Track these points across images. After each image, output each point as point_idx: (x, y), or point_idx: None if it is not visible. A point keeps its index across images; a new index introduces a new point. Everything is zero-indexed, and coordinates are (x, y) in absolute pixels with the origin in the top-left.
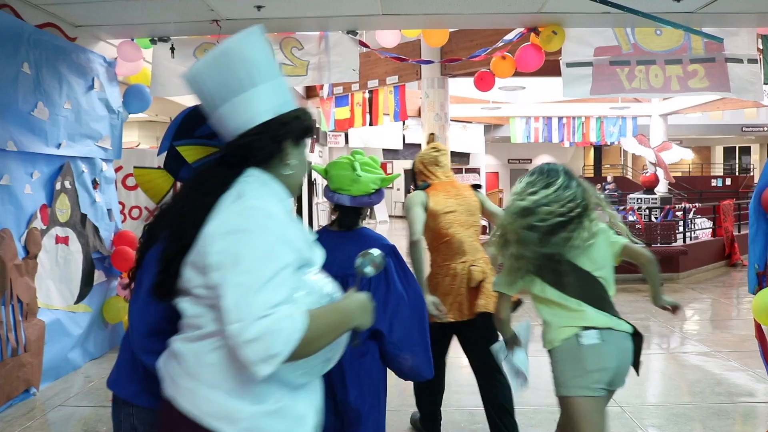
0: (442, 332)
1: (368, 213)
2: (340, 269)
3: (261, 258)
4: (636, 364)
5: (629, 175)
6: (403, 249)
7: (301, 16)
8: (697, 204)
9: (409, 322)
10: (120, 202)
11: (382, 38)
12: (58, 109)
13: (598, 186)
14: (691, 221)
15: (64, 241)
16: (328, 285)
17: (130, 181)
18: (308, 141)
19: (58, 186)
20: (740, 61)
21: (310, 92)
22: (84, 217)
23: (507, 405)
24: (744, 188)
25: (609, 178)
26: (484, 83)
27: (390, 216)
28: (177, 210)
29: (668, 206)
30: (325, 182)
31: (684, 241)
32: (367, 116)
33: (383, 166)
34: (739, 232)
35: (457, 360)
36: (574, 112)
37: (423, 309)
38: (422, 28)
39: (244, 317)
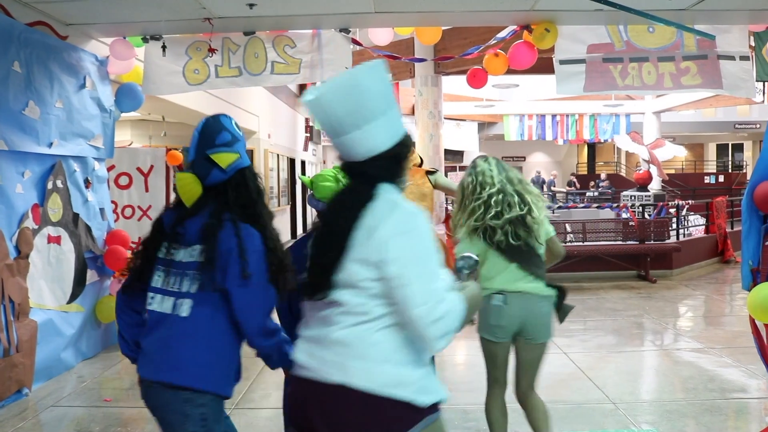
0: None
1: None
2: None
3: (430, 253)
4: (560, 315)
5: (623, 173)
6: None
7: (294, 14)
8: (690, 201)
9: None
10: (113, 201)
11: (375, 36)
12: (50, 108)
13: (592, 183)
14: (684, 218)
15: (56, 240)
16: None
17: (123, 180)
18: None
19: (49, 185)
20: (732, 58)
21: (305, 90)
22: (76, 216)
23: None
24: (737, 185)
25: (603, 176)
26: (477, 81)
27: None
28: (333, 220)
29: (661, 203)
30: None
31: (677, 238)
32: None
33: None
34: (732, 228)
35: (451, 358)
36: (567, 110)
37: None
38: (415, 26)
39: (428, 301)
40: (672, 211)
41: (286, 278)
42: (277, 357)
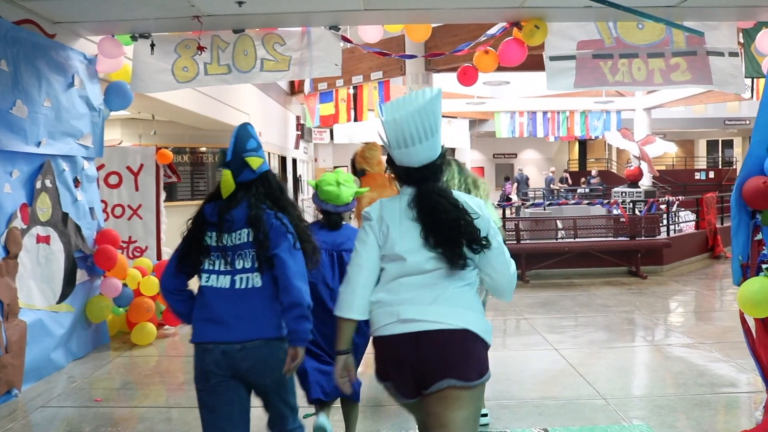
0: None
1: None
2: (333, 247)
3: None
4: None
5: (614, 169)
6: None
7: (283, 12)
8: (680, 197)
9: None
10: (102, 201)
11: (365, 34)
12: (38, 107)
13: (583, 180)
14: (674, 214)
15: (45, 240)
16: None
17: (113, 179)
18: None
19: (38, 185)
20: (721, 54)
21: (295, 88)
22: (65, 216)
23: None
24: (727, 181)
25: (594, 172)
26: (467, 78)
27: None
28: (457, 209)
29: (652, 199)
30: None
31: (668, 234)
32: (352, 112)
33: None
34: (722, 224)
35: None
36: (558, 107)
37: None
38: (405, 23)
39: (511, 263)
40: (662, 207)
41: (311, 248)
42: (305, 321)
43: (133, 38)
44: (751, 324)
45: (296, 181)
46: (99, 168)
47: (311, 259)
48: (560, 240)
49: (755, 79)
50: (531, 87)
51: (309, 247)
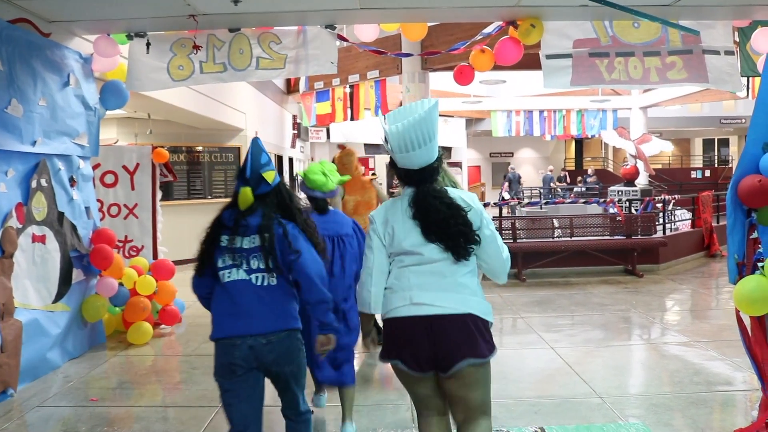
0: None
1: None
2: (332, 231)
3: None
4: None
5: (610, 168)
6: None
7: (279, 11)
8: (676, 196)
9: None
10: (98, 200)
11: (361, 33)
12: (33, 106)
13: (579, 179)
14: (670, 213)
15: (41, 239)
16: None
17: (109, 179)
18: None
19: (33, 184)
20: (717, 53)
21: (291, 87)
22: (61, 215)
23: None
24: (723, 180)
25: (590, 171)
26: (464, 77)
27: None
28: (449, 208)
29: (648, 198)
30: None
31: (664, 233)
32: (349, 111)
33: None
34: (718, 223)
35: None
36: (554, 106)
37: None
38: (401, 22)
39: (504, 248)
40: (659, 205)
41: (322, 248)
42: (331, 312)
43: (129, 37)
44: (747, 322)
45: (293, 180)
46: (95, 167)
47: (321, 255)
48: (557, 239)
49: (751, 78)
50: (527, 86)
51: (319, 248)
